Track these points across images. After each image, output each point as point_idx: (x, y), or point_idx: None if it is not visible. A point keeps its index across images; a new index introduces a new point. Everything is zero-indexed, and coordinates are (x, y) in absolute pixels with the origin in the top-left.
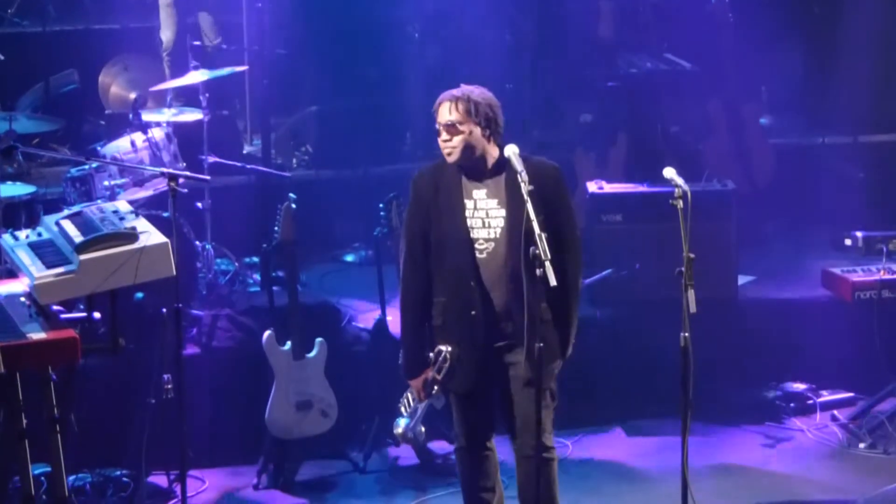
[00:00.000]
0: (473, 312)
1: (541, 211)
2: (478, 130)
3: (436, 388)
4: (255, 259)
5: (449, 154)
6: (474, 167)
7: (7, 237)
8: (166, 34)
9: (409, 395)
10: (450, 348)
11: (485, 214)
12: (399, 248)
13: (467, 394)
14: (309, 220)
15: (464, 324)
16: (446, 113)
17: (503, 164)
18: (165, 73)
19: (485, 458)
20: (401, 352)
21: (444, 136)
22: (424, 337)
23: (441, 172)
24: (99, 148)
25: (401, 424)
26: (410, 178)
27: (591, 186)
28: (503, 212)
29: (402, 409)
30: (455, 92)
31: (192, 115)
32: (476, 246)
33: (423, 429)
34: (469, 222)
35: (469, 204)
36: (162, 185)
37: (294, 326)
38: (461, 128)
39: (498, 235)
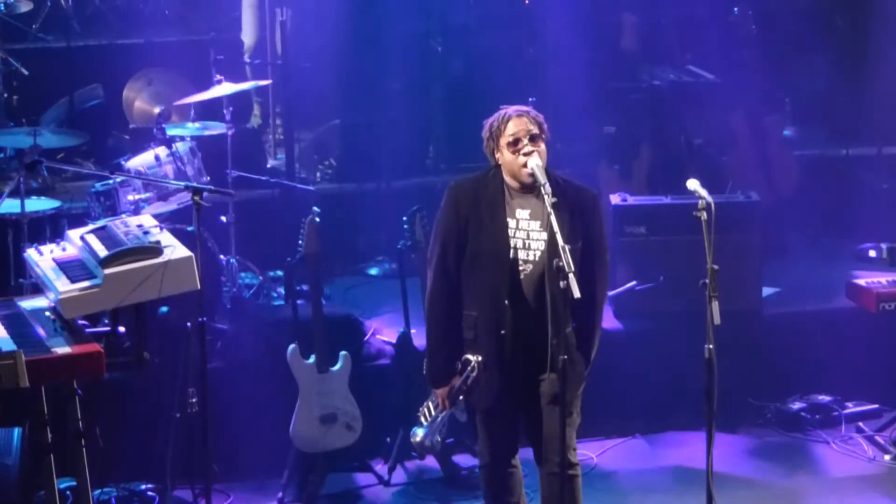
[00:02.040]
0: (503, 332)
1: (579, 234)
2: (544, 147)
3: (461, 397)
4: (280, 272)
5: (525, 166)
6: (529, 186)
7: (32, 252)
8: (248, 37)
9: (430, 403)
10: (479, 358)
11: (525, 235)
12: (425, 260)
13: (492, 411)
14: (333, 234)
15: (492, 341)
16: (527, 124)
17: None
18: (248, 77)
19: (510, 476)
20: (426, 360)
21: (528, 146)
22: (452, 346)
23: (483, 186)
24: (123, 162)
25: (419, 433)
26: (434, 191)
27: (615, 199)
28: (544, 235)
29: (422, 417)
30: (519, 107)
31: (216, 129)
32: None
33: (440, 438)
34: (511, 241)
35: (512, 223)
36: (186, 199)
37: (318, 340)
38: (543, 138)
39: (537, 258)
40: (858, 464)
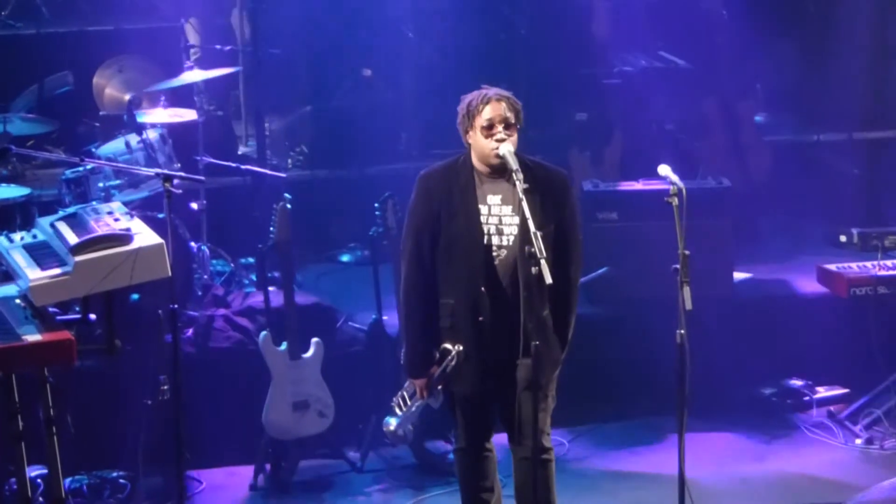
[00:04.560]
0: (481, 318)
1: (551, 217)
2: (516, 136)
3: (439, 387)
4: (251, 260)
5: (497, 150)
6: (498, 170)
7: (2, 239)
8: (193, 33)
9: (405, 392)
10: (458, 347)
11: (498, 221)
12: (400, 248)
13: (470, 397)
14: (304, 221)
15: (471, 328)
16: (504, 110)
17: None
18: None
19: (484, 459)
20: (403, 350)
21: (502, 132)
22: (430, 336)
23: (454, 174)
24: (94, 149)
25: (392, 423)
26: (406, 178)
27: (587, 185)
28: (517, 219)
29: (396, 407)
30: (499, 91)
31: (187, 116)
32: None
33: (412, 427)
34: (484, 228)
35: (483, 209)
36: (157, 186)
37: (290, 327)
38: (517, 126)
39: (511, 243)
40: (829, 448)
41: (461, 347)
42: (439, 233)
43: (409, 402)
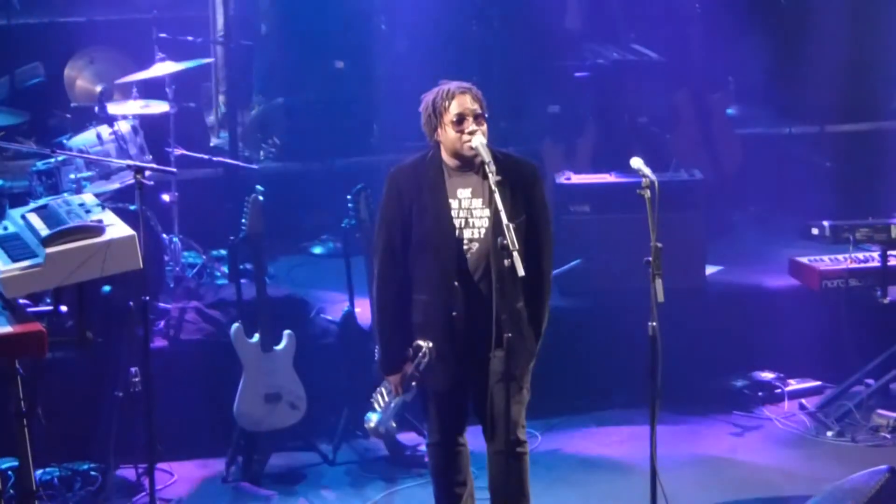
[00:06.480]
0: (455, 313)
1: (521, 209)
2: (485, 126)
3: (413, 383)
4: (223, 252)
5: (470, 143)
6: (468, 163)
7: None
8: (220, 20)
9: (384, 389)
10: (430, 344)
11: (468, 214)
12: (372, 242)
13: (443, 391)
14: (277, 213)
15: (444, 323)
16: (469, 102)
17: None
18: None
19: (457, 454)
20: (377, 347)
21: (472, 125)
22: (404, 333)
23: (423, 169)
24: (65, 141)
25: (373, 419)
26: (379, 170)
27: (559, 177)
28: (487, 212)
29: (376, 404)
30: (460, 83)
31: (159, 108)
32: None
33: (394, 423)
34: (455, 221)
35: (454, 203)
36: (128, 177)
37: (262, 319)
38: (484, 117)
39: (482, 235)
40: (801, 441)
41: (432, 344)
42: (410, 229)
43: (387, 398)
